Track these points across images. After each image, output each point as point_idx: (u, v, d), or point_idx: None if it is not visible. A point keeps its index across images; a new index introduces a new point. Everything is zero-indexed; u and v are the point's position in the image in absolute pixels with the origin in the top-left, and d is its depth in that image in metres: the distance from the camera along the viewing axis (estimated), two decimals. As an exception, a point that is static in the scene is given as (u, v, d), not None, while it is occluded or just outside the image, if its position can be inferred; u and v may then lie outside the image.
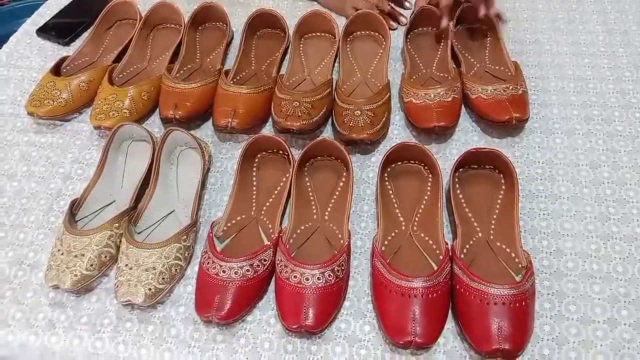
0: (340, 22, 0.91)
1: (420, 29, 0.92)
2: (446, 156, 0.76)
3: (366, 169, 0.76)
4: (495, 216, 0.68)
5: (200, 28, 0.96)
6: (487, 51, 0.87)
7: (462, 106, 0.79)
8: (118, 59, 0.91)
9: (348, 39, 0.91)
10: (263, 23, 0.93)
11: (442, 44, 0.89)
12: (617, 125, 0.77)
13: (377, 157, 0.77)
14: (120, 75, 0.88)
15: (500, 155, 0.68)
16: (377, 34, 0.91)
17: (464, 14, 0.89)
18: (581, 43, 0.88)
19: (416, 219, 0.69)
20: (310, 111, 0.77)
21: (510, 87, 0.75)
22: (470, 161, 0.71)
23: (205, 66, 0.90)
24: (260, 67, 0.90)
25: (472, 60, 0.86)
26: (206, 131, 0.82)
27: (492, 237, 0.66)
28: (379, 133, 0.77)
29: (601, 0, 0.95)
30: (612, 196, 0.70)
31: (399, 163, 0.74)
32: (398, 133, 0.80)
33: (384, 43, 0.89)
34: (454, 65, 0.84)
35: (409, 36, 0.91)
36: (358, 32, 0.92)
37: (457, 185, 0.71)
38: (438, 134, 0.77)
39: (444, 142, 0.78)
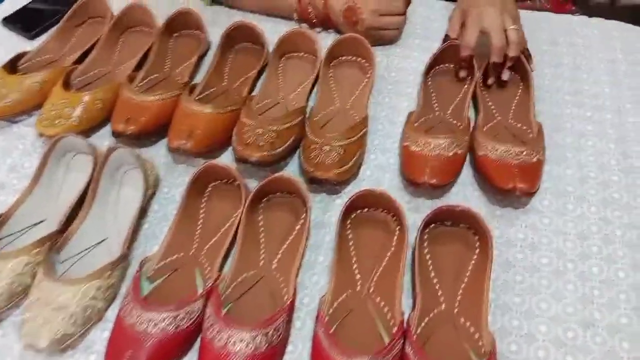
0: (326, 43, 0.83)
1: (445, 65, 0.83)
2: (418, 207, 0.68)
3: (329, 212, 0.68)
4: (463, 285, 0.60)
5: (175, 35, 0.88)
6: (513, 104, 0.77)
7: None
8: (83, 59, 0.83)
9: (331, 64, 0.84)
10: (243, 36, 0.86)
11: (465, 86, 0.80)
12: (614, 192, 0.69)
13: (344, 199, 0.69)
14: (80, 79, 0.81)
15: (475, 216, 0.60)
16: (363, 60, 0.84)
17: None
18: (584, 93, 0.80)
19: (374, 278, 0.61)
20: (274, 141, 0.69)
21: (525, 152, 0.66)
22: (444, 217, 0.63)
23: (172, 77, 0.82)
24: (232, 85, 0.82)
25: (494, 110, 0.76)
26: (162, 149, 0.75)
27: (456, 310, 0.58)
28: (348, 173, 0.69)
29: (613, 47, 0.86)
30: (599, 275, 0.61)
31: (365, 210, 0.66)
32: (371, 174, 0.72)
33: (370, 71, 0.81)
34: (470, 114, 0.75)
35: (431, 72, 0.82)
36: (343, 57, 0.84)
37: (425, 244, 0.63)
38: (428, 190, 0.69)
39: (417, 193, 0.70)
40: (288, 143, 0.71)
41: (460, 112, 0.76)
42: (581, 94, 0.80)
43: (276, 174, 0.65)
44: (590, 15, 0.93)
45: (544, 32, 0.89)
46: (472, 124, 0.74)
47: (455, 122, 0.76)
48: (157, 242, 0.64)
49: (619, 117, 0.77)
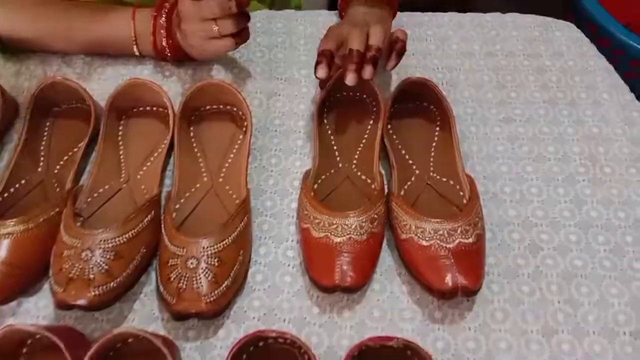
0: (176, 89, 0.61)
1: (344, 94, 0.63)
2: (332, 328, 0.49)
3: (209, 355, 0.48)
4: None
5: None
6: (433, 148, 0.59)
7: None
8: None
9: (192, 118, 0.62)
10: (62, 95, 0.61)
11: (369, 127, 0.61)
12: (575, 258, 0.53)
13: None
14: None
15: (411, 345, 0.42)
16: (234, 108, 0.62)
17: (408, 87, 0.59)
18: (516, 120, 0.64)
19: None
20: (111, 266, 0.47)
21: (459, 228, 0.48)
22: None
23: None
24: (52, 169, 0.58)
25: (410, 161, 0.58)
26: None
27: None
28: (228, 295, 0.48)
29: (538, 52, 0.71)
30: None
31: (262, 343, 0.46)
32: (263, 280, 0.52)
33: (246, 123, 0.60)
34: (382, 169, 0.57)
35: (325, 107, 0.62)
36: (207, 107, 0.62)
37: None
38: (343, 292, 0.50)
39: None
40: (135, 262, 0.49)
41: (369, 163, 0.57)
42: (513, 121, 0.64)
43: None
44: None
45: (454, 36, 0.72)
46: (384, 180, 0.55)
47: (364, 177, 0.57)
48: None
49: (562, 146, 0.61)
